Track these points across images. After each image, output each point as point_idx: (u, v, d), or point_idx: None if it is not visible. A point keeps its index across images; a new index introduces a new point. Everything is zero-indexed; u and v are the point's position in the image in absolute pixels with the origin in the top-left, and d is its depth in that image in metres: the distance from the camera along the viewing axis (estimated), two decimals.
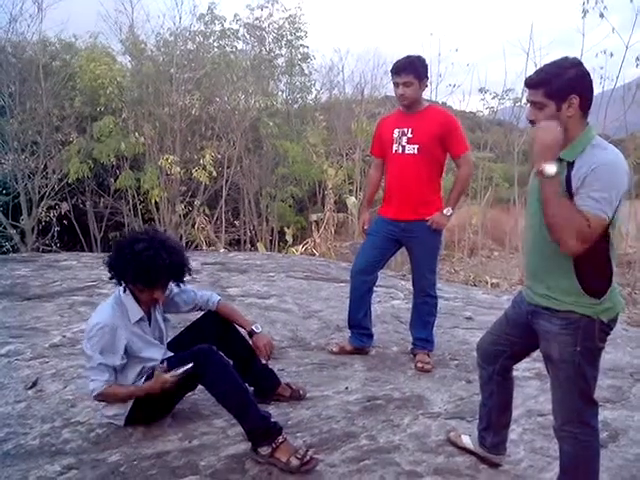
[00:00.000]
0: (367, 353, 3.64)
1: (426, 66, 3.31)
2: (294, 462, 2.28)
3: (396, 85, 3.28)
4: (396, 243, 3.51)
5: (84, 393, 2.80)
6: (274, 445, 2.31)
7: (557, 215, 1.76)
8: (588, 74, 1.86)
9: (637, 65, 8.80)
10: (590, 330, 1.88)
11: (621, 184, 1.77)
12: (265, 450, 2.31)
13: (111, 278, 2.51)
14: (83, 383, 2.92)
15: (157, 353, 2.58)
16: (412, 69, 3.22)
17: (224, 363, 2.45)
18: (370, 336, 3.67)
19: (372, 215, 3.68)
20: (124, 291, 2.51)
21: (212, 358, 2.42)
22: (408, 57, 3.27)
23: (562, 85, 1.80)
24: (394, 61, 3.28)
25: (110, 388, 2.41)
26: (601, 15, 8.46)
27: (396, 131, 3.37)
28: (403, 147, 3.33)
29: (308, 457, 2.31)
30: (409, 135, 3.32)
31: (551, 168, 1.75)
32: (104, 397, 2.44)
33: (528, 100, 1.91)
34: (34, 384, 2.90)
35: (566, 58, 1.87)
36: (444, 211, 3.38)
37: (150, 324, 2.60)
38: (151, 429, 2.52)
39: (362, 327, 3.60)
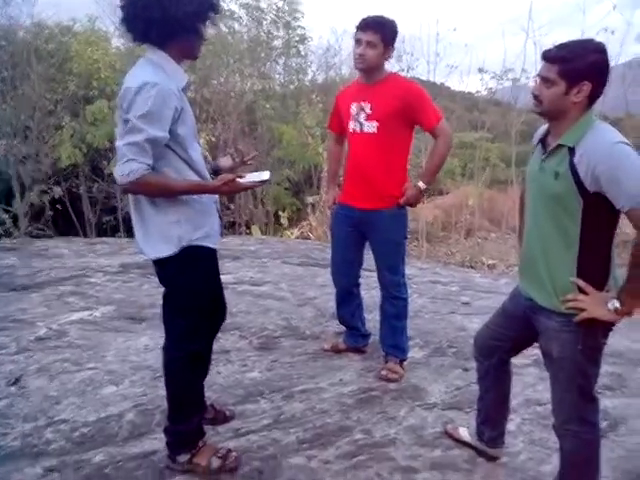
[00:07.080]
0: (364, 352, 3.35)
1: (396, 33, 2.84)
2: (215, 463, 2.13)
3: (358, 43, 2.79)
4: (361, 233, 3.07)
5: (68, 389, 2.71)
6: (193, 451, 2.13)
7: None
8: (608, 65, 1.74)
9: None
10: (593, 327, 1.78)
11: (636, 158, 1.65)
12: (183, 457, 2.12)
13: (147, 32, 1.87)
14: (68, 378, 2.85)
15: (199, 154, 2.05)
16: (380, 30, 2.76)
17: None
18: (365, 336, 3.35)
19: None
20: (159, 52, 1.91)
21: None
22: (380, 16, 2.81)
23: (579, 68, 1.69)
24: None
25: (154, 175, 1.83)
26: None
27: (353, 106, 2.90)
28: (361, 125, 2.87)
29: (232, 457, 2.17)
30: (368, 111, 2.84)
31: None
32: (139, 186, 1.83)
33: (539, 74, 1.79)
34: (17, 380, 2.81)
35: (591, 40, 1.75)
36: (419, 184, 2.88)
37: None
38: (138, 426, 2.44)
39: (353, 327, 3.32)
